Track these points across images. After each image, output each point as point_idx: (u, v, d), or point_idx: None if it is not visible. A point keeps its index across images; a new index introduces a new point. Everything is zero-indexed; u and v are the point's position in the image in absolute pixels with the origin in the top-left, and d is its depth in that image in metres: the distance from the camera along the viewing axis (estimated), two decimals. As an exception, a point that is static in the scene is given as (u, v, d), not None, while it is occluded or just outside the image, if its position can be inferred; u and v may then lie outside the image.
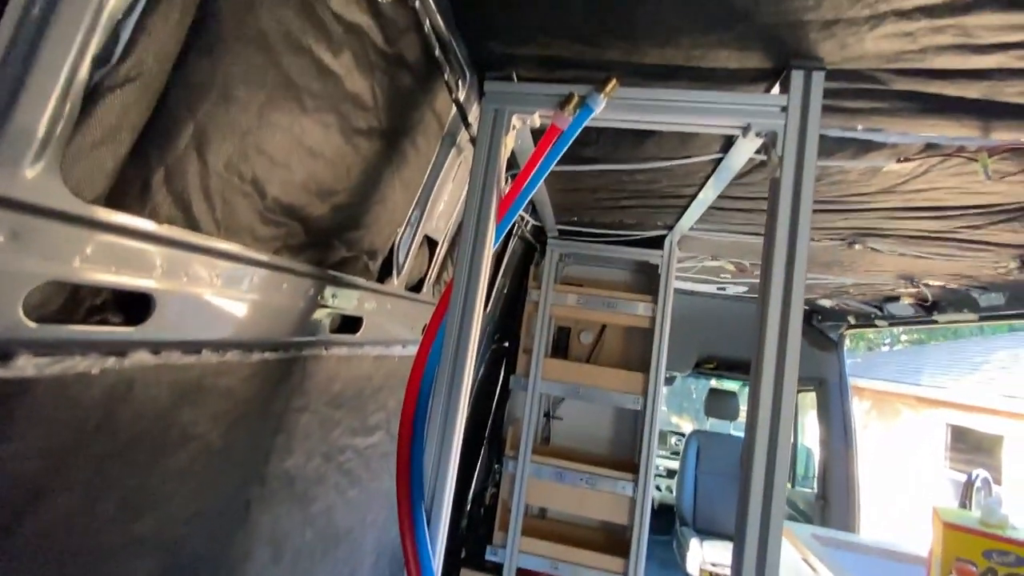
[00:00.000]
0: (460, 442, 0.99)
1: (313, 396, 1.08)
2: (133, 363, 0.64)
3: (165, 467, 0.75)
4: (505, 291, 2.65)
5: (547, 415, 2.70)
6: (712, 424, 5.94)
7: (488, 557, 2.36)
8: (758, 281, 3.32)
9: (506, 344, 2.78)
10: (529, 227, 2.42)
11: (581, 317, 2.62)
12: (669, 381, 4.57)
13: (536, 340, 2.49)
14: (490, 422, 2.78)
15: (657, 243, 2.42)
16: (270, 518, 1.04)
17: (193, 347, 0.73)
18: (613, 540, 2.41)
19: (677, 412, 8.35)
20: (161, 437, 0.73)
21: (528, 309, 2.66)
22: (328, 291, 1.02)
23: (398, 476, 0.95)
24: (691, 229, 2.12)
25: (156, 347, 0.67)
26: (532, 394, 2.46)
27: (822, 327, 3.76)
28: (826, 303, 3.43)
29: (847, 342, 3.89)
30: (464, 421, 0.99)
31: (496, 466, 2.65)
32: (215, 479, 0.87)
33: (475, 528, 2.58)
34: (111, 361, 0.61)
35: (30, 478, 0.59)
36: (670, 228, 2.25)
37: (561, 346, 2.73)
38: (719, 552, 3.72)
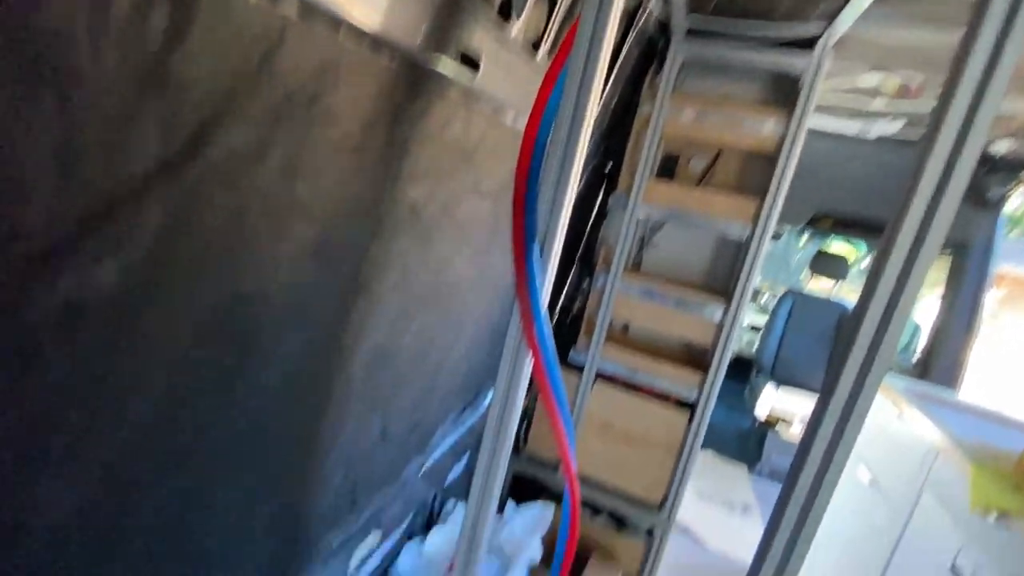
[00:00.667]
0: (576, 188, 0.97)
1: (435, 130, 1.09)
2: (282, 11, 0.64)
3: (315, 139, 0.81)
4: (613, 104, 2.45)
5: (642, 240, 2.66)
6: (810, 290, 5.68)
7: (571, 359, 2.55)
8: (921, 110, 2.78)
9: (610, 162, 2.66)
10: (653, 20, 2.12)
11: (695, 138, 2.40)
12: (775, 237, 4.31)
13: (643, 158, 2.35)
14: (584, 243, 2.80)
15: (807, 46, 2.04)
16: (398, 246, 1.14)
17: (334, 22, 0.73)
18: (693, 358, 2.49)
19: (772, 280, 7.92)
20: (310, 106, 0.77)
21: (637, 126, 2.47)
22: (453, 11, 0.96)
23: (514, 209, 0.96)
24: (855, 24, 1.74)
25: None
26: (631, 214, 2.40)
27: (985, 181, 3.18)
28: (1001, 148, 2.84)
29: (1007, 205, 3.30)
30: (581, 165, 0.95)
31: (586, 279, 2.73)
32: (352, 178, 0.94)
33: (561, 333, 2.77)
34: None
35: (206, 103, 0.64)
36: (829, 21, 1.87)
37: (667, 174, 2.57)
38: (792, 399, 3.78)
